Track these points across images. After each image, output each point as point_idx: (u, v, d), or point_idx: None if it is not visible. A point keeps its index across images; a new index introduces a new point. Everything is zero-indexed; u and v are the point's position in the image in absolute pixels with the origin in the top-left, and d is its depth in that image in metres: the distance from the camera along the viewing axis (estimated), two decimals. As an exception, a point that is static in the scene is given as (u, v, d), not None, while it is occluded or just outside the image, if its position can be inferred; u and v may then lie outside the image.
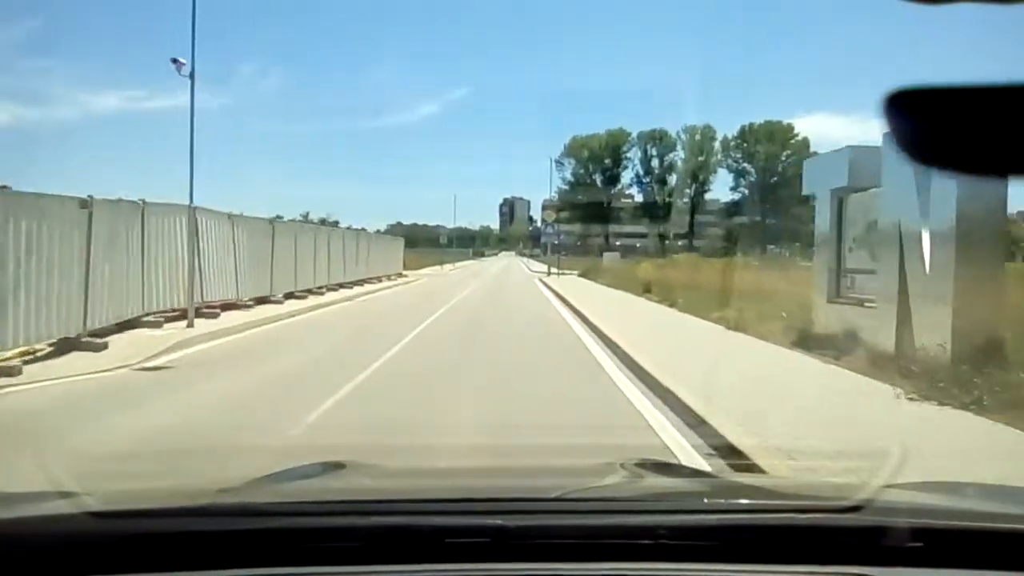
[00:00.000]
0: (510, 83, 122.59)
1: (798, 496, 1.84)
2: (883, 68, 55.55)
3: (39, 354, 9.93)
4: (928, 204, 8.23)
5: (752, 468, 4.79)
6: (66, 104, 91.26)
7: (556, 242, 48.29)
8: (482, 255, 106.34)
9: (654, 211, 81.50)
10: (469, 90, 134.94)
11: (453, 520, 1.39)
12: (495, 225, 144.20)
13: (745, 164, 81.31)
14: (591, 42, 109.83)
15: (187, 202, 13.66)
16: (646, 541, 1.32)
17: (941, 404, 6.57)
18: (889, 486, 1.72)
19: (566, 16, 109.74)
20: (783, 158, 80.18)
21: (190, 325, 13.04)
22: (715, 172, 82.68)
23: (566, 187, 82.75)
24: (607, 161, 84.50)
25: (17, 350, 9.45)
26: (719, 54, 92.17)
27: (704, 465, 4.90)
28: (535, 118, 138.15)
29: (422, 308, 18.47)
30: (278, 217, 26.34)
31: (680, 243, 77.23)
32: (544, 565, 1.28)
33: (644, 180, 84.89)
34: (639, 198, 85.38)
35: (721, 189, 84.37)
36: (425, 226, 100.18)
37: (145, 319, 12.93)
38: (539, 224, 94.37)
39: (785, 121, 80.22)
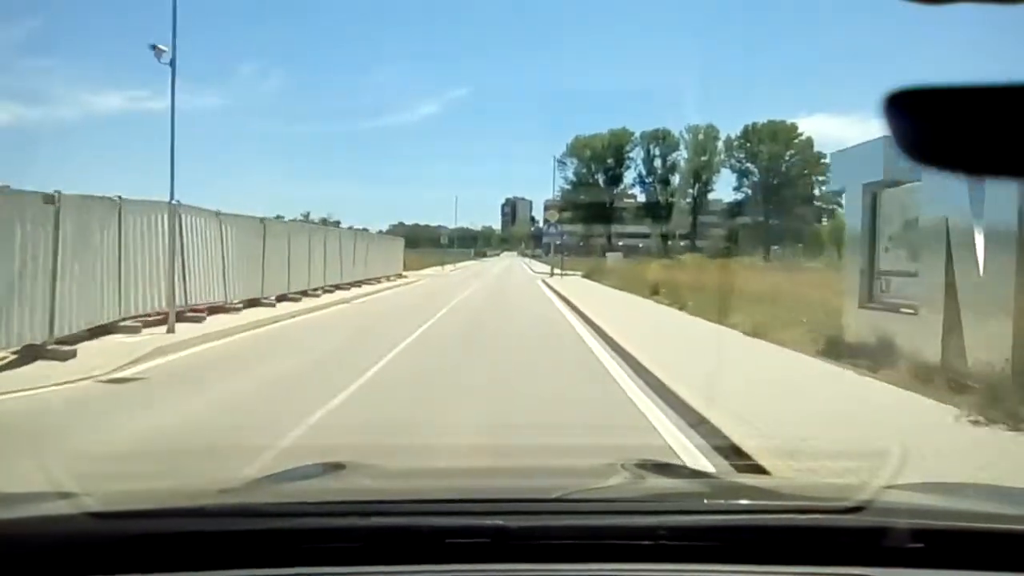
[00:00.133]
0: (511, 83, 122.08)
1: (798, 497, 1.83)
2: (884, 68, 54.90)
3: (1, 363, 9.09)
4: (982, 199, 7.35)
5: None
6: (67, 104, 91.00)
7: (559, 242, 47.40)
8: (484, 255, 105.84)
9: (657, 211, 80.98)
10: (470, 90, 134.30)
11: (453, 520, 1.39)
12: (497, 225, 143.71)
13: (748, 164, 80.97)
14: (592, 42, 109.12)
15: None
16: (646, 542, 1.32)
17: (1015, 429, 5.68)
18: (889, 487, 1.72)
19: (567, 16, 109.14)
20: (787, 158, 79.81)
21: (170, 330, 12.16)
22: (718, 172, 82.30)
23: (568, 187, 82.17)
24: (610, 161, 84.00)
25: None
26: (720, 54, 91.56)
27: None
28: (536, 118, 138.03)
29: (420, 310, 17.62)
30: (278, 217, 25.63)
31: (683, 243, 76.69)
32: (544, 566, 1.28)
33: (647, 180, 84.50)
34: (642, 198, 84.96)
35: (724, 189, 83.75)
36: (427, 226, 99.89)
37: (122, 324, 12.07)
38: (541, 224, 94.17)
39: (788, 121, 79.61)
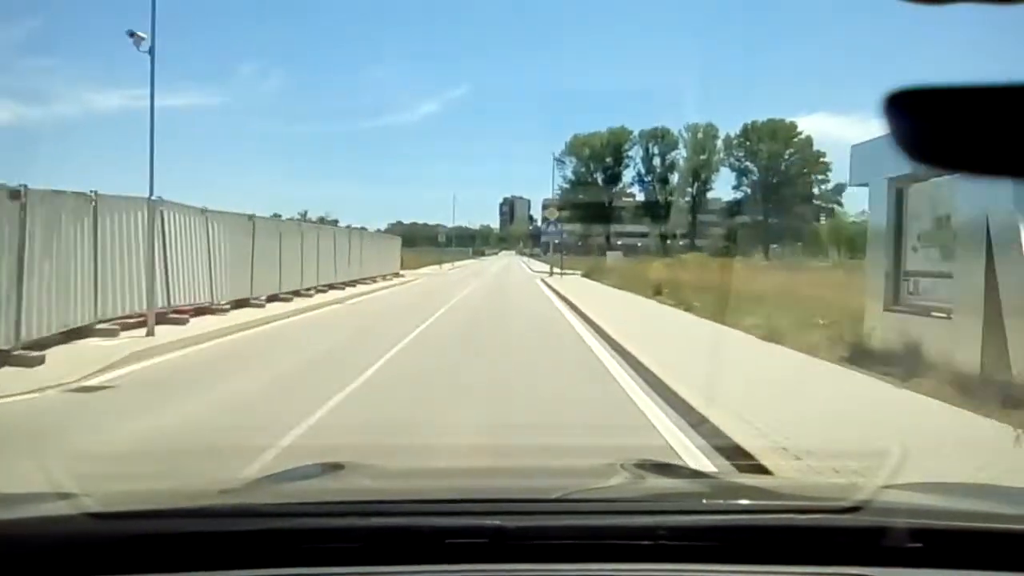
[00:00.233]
0: (510, 82, 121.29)
1: (797, 497, 1.83)
2: (884, 67, 54.44)
3: (-38, 371, 8.43)
4: (1031, 193, 6.69)
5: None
6: (67, 102, 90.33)
7: (558, 241, 46.68)
8: (482, 254, 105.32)
9: (655, 210, 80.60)
10: (469, 89, 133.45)
11: (452, 521, 1.39)
12: (495, 224, 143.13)
13: (748, 163, 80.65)
14: (591, 41, 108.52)
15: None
16: (646, 542, 1.31)
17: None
18: (888, 486, 1.72)
19: (566, 15, 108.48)
20: (786, 156, 79.53)
21: (150, 333, 11.48)
22: (717, 171, 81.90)
23: (567, 186, 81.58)
24: (608, 159, 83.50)
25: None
26: (720, 53, 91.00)
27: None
28: (535, 118, 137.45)
29: (415, 311, 16.94)
30: (275, 215, 24.90)
31: (681, 243, 76.24)
32: (543, 566, 1.28)
33: (646, 179, 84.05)
34: (640, 197, 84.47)
35: (723, 188, 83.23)
36: (425, 225, 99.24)
37: (99, 327, 11.39)
38: (539, 223, 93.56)
39: (788, 119, 79.12)
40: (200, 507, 1.52)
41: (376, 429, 6.05)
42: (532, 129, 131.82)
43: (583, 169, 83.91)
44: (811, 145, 79.01)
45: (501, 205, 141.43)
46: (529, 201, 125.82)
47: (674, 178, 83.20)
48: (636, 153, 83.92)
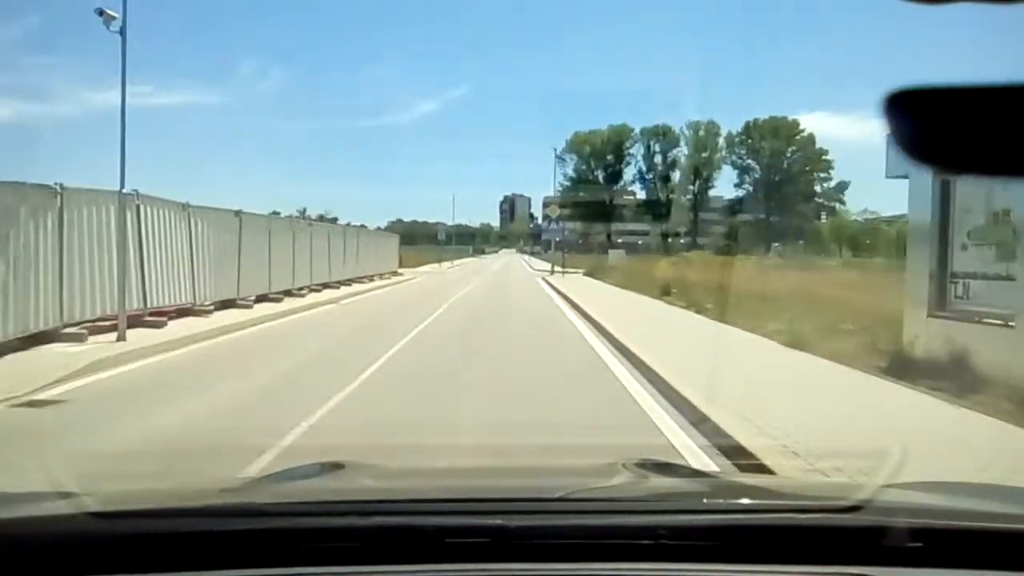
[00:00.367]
0: (510, 81, 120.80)
1: (798, 496, 1.81)
2: (885, 66, 53.99)
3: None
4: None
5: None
6: (67, 100, 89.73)
7: (559, 239, 45.75)
8: (482, 252, 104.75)
9: (656, 208, 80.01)
10: (469, 88, 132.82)
11: (453, 520, 1.38)
12: (495, 223, 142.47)
13: (749, 160, 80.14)
14: (592, 40, 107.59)
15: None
16: (646, 541, 1.31)
17: None
18: (889, 486, 1.71)
19: (567, 14, 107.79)
20: (788, 154, 79.00)
21: (120, 338, 10.56)
22: (719, 168, 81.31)
23: (567, 183, 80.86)
24: (609, 157, 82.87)
25: None
26: (722, 52, 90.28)
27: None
28: (536, 116, 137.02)
29: (409, 313, 16.02)
30: (274, 213, 24.01)
31: (682, 241, 75.59)
32: (544, 565, 1.28)
33: (647, 176, 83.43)
34: (641, 195, 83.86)
35: (725, 186, 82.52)
36: (425, 223, 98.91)
37: (65, 331, 10.48)
38: (540, 221, 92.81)
39: (790, 117, 78.28)
40: (200, 506, 1.53)
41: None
42: (532, 128, 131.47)
43: (584, 167, 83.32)
44: (813, 143, 78.55)
45: (501, 203, 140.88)
46: (529, 199, 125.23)
47: (675, 176, 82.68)
48: (637, 151, 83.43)
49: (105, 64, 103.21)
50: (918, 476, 2.10)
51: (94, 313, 11.21)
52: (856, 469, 3.84)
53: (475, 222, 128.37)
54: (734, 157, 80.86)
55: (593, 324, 13.94)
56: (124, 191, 11.91)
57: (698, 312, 15.89)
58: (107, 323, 11.21)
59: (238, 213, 16.66)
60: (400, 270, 39.09)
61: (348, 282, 26.63)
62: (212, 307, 15.16)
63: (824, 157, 78.52)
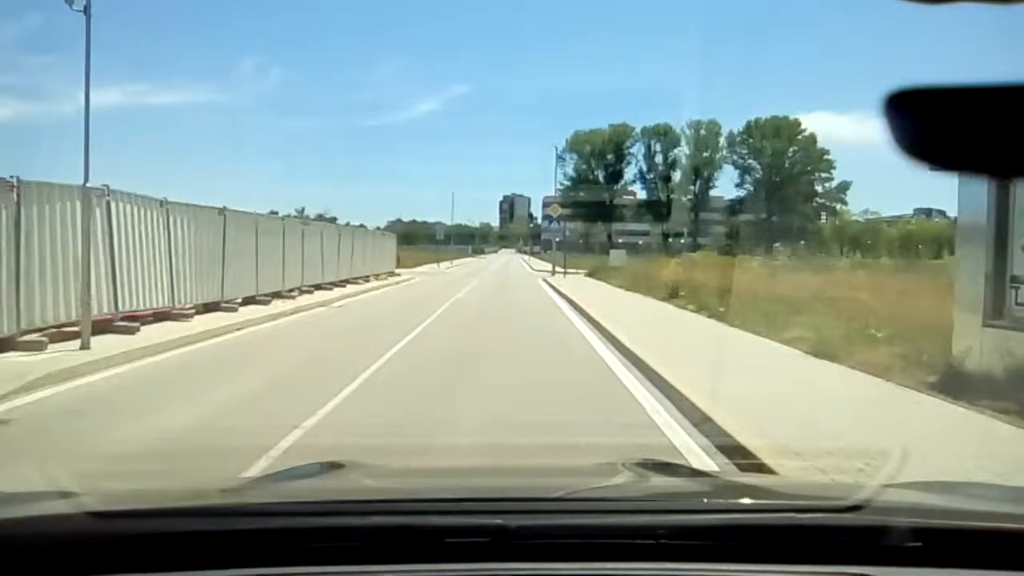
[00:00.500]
0: (510, 80, 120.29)
1: (798, 496, 1.81)
2: (887, 66, 53.67)
3: None
4: None
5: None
6: (66, 99, 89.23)
7: (560, 239, 44.80)
8: (482, 252, 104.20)
9: (657, 208, 79.52)
10: (469, 87, 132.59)
11: (453, 520, 1.37)
12: (495, 222, 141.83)
13: (751, 160, 79.61)
14: (592, 39, 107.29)
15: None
16: (646, 541, 1.31)
17: None
18: (889, 486, 1.72)
19: (567, 12, 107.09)
20: (790, 154, 78.33)
21: (84, 346, 9.63)
22: (720, 168, 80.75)
23: (568, 183, 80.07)
24: (610, 156, 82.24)
25: None
26: (723, 51, 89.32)
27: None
28: (536, 116, 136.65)
29: (404, 315, 15.13)
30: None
31: (683, 241, 74.98)
32: (544, 565, 1.27)
33: (647, 176, 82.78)
34: (642, 195, 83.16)
35: (726, 186, 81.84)
36: (424, 223, 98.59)
37: (24, 339, 9.56)
38: (539, 221, 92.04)
39: (791, 117, 77.53)
40: (200, 506, 1.52)
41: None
42: (532, 127, 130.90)
43: (584, 166, 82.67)
44: (815, 143, 77.93)
45: (501, 203, 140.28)
46: (529, 199, 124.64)
47: (676, 176, 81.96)
48: (638, 150, 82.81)
49: (105, 63, 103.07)
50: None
51: (57, 318, 10.28)
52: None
53: (475, 222, 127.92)
54: (735, 157, 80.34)
55: (602, 331, 12.95)
56: (91, 185, 10.99)
57: (710, 316, 14.95)
58: (73, 329, 10.28)
59: (222, 210, 15.71)
60: (397, 270, 38.18)
61: (343, 283, 25.71)
62: (193, 311, 14.25)
63: (826, 157, 77.96)
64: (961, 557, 1.28)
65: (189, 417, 6.45)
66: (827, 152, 77.38)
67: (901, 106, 0.72)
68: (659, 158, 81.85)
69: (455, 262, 60.17)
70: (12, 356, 9.04)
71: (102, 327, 11.10)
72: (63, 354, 9.21)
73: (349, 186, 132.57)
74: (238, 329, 13.28)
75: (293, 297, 19.50)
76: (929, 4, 0.68)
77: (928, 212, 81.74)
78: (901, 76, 0.72)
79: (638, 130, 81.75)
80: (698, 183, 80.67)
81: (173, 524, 1.36)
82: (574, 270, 38.75)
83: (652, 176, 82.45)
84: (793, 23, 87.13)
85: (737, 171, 79.94)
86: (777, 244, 71.61)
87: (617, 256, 42.98)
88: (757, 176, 79.29)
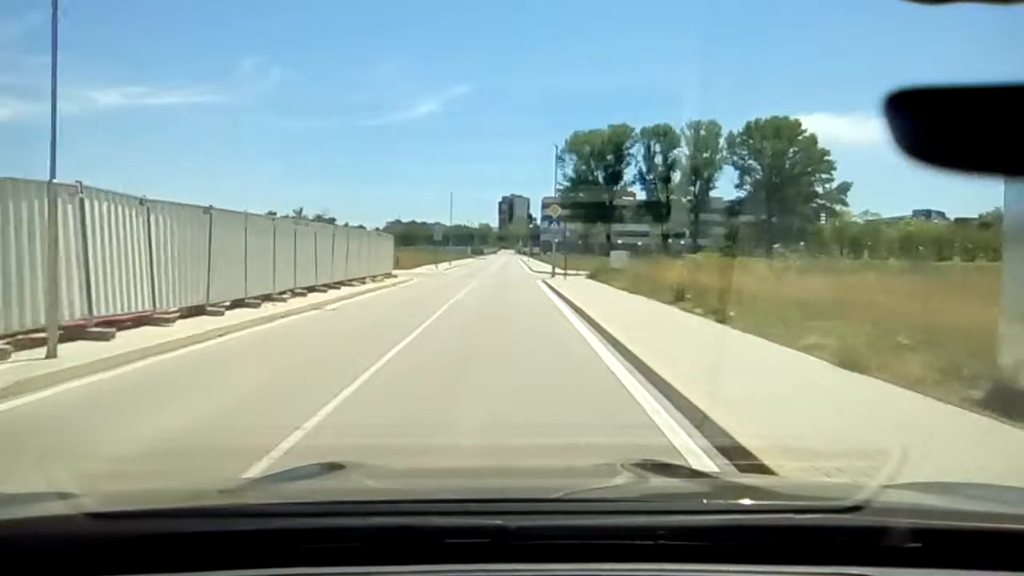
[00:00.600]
0: (510, 81, 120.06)
1: (797, 496, 1.81)
2: (888, 67, 53.48)
3: None
4: None
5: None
6: (66, 99, 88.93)
7: (560, 240, 44.07)
8: (481, 253, 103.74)
9: (657, 209, 79.19)
10: (469, 88, 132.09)
11: (453, 520, 1.37)
12: (494, 223, 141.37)
13: (751, 161, 79.33)
14: (592, 40, 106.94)
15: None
16: (646, 542, 1.31)
17: None
18: (888, 486, 1.71)
19: (568, 13, 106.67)
20: (790, 155, 77.97)
21: (51, 354, 8.91)
22: (720, 169, 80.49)
23: (567, 184, 79.58)
24: (609, 157, 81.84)
25: None
26: (722, 52, 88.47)
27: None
28: (535, 116, 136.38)
29: (398, 319, 14.41)
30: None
31: (682, 242, 74.53)
32: (544, 566, 1.27)
33: (647, 177, 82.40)
34: (641, 196, 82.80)
35: (726, 187, 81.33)
36: (423, 224, 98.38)
37: (-15, 347, 8.83)
38: (539, 222, 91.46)
39: (792, 117, 77.01)
40: (199, 507, 1.52)
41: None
42: (532, 128, 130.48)
43: (584, 167, 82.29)
44: (815, 143, 77.67)
45: (500, 204, 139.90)
46: (528, 200, 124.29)
47: (676, 176, 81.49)
48: (637, 151, 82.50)
49: (105, 65, 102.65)
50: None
51: (24, 324, 9.55)
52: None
53: (474, 223, 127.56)
54: (735, 157, 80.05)
55: (609, 339, 12.22)
56: (63, 181, 10.26)
57: (720, 320, 14.21)
58: (44, 335, 9.54)
59: (208, 209, 14.96)
60: (395, 272, 37.47)
61: (337, 285, 25.00)
62: (176, 315, 13.50)
63: (826, 158, 77.53)
64: (961, 558, 1.27)
65: (137, 444, 5.62)
66: (827, 153, 77.07)
67: (901, 106, 0.72)
68: (659, 159, 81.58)
69: (453, 263, 59.46)
70: (-30, 366, 8.33)
71: (74, 333, 10.40)
72: (24, 364, 8.48)
73: (349, 187, 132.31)
74: (222, 335, 12.54)
75: (284, 300, 18.77)
76: (929, 4, 0.68)
77: (927, 213, 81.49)
78: (901, 76, 0.73)
79: (638, 131, 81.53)
80: (698, 184, 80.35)
81: (173, 525, 1.36)
82: (574, 271, 38.01)
83: (652, 177, 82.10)
84: (793, 23, 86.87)
85: (737, 172, 79.73)
86: (777, 245, 71.25)
87: (618, 257, 42.24)
88: (757, 177, 78.94)
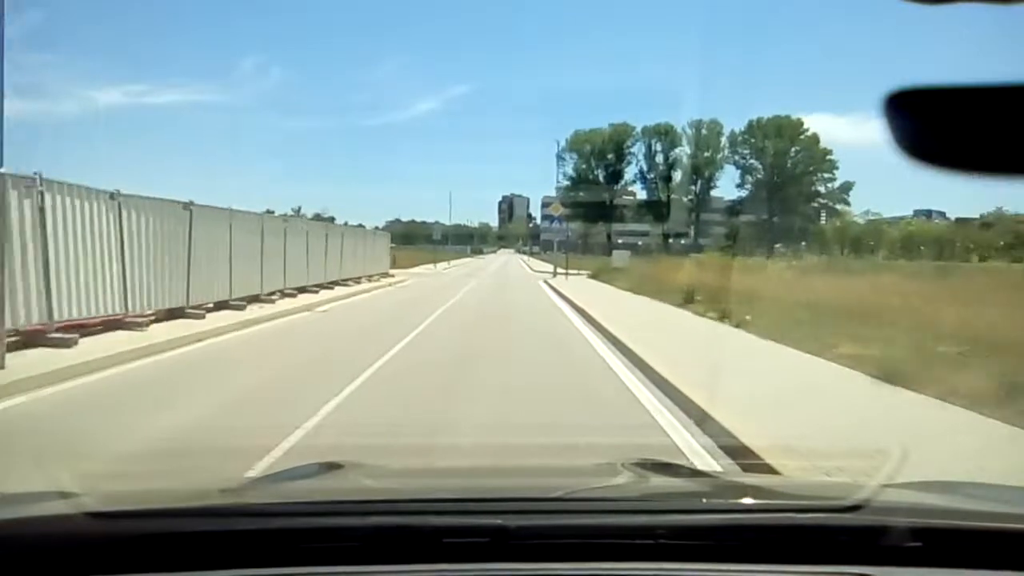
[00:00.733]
0: (511, 80, 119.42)
1: (797, 496, 1.80)
2: (890, 66, 53.16)
3: None
4: None
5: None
6: (66, 97, 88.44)
7: (562, 239, 43.12)
8: (480, 252, 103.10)
9: (657, 209, 78.70)
10: (469, 87, 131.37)
11: (452, 520, 1.36)
12: (494, 223, 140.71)
13: (753, 160, 78.71)
14: (593, 38, 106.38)
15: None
16: (646, 541, 1.30)
17: None
18: (888, 486, 1.70)
19: (568, 13, 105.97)
20: (792, 154, 77.40)
21: (-2, 366, 7.93)
22: (721, 168, 79.86)
23: (567, 183, 78.86)
24: (610, 156, 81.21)
25: None
26: (724, 51, 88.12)
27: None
28: (535, 116, 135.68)
29: (393, 322, 13.46)
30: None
31: (683, 242, 73.94)
32: (543, 565, 1.27)
33: (648, 176, 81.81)
34: (642, 195, 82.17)
35: (727, 186, 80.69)
36: (423, 223, 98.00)
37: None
38: (538, 221, 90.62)
39: (794, 116, 76.33)
40: (199, 506, 1.51)
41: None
42: (532, 127, 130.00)
43: (584, 166, 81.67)
44: (817, 142, 77.18)
45: (500, 203, 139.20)
46: (528, 199, 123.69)
47: (677, 176, 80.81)
48: (638, 150, 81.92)
49: (105, 63, 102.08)
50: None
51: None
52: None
53: (473, 222, 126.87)
54: (737, 157, 79.61)
55: (619, 346, 11.23)
56: (19, 174, 9.29)
57: (736, 325, 13.22)
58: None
59: (187, 205, 13.96)
60: (392, 271, 36.52)
61: (331, 285, 24.03)
62: (152, 318, 12.52)
63: (828, 157, 76.92)
64: (960, 557, 1.27)
65: (117, 457, 4.76)
66: (830, 152, 76.59)
67: (901, 106, 0.72)
68: (660, 158, 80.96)
69: (452, 262, 58.61)
70: (-98, 379, 7.35)
71: (34, 339, 9.47)
72: (-35, 376, 7.51)
73: (348, 186, 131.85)
74: (199, 340, 11.56)
75: (272, 301, 17.78)
76: (929, 4, 0.68)
77: (928, 213, 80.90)
78: (901, 76, 0.73)
79: (639, 129, 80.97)
80: (699, 183, 79.84)
81: (173, 524, 1.36)
82: (575, 271, 37.05)
83: (653, 176, 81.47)
84: (793, 23, 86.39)
85: (738, 171, 79.22)
86: (778, 245, 70.60)
87: (620, 257, 41.29)
88: (759, 176, 78.39)
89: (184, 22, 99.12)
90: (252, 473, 4.40)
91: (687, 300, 17.68)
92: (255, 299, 17.01)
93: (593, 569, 1.26)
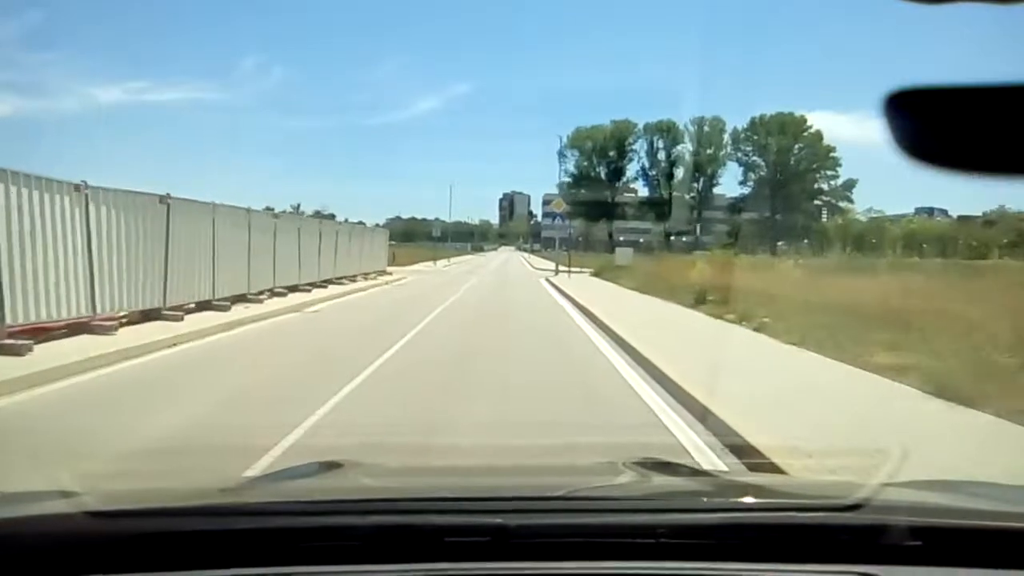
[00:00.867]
0: (512, 78, 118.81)
1: (798, 495, 1.79)
2: (892, 65, 52.95)
3: None
4: None
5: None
6: (66, 96, 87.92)
7: (564, 236, 42.17)
8: (481, 250, 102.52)
9: (659, 206, 78.22)
10: (470, 85, 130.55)
11: (453, 519, 1.35)
12: (495, 220, 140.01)
13: (755, 157, 78.23)
14: (595, 35, 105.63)
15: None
16: (647, 540, 1.29)
17: None
18: (889, 484, 1.69)
19: (568, 13, 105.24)
20: (795, 151, 76.80)
21: (-70, 378, 6.97)
22: (724, 165, 79.47)
23: (569, 180, 78.12)
24: (612, 153, 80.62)
25: None
26: (727, 48, 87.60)
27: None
28: (536, 113, 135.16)
29: (387, 324, 12.53)
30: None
31: (685, 239, 73.31)
32: (544, 564, 1.26)
33: (650, 173, 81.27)
34: (644, 192, 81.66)
35: (729, 183, 79.87)
36: (423, 220, 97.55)
37: None
38: (539, 219, 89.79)
39: (797, 113, 75.61)
40: (199, 505, 1.50)
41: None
42: (533, 125, 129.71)
43: (586, 163, 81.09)
44: (821, 140, 76.70)
45: (501, 201, 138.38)
46: (529, 197, 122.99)
47: (679, 173, 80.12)
48: (640, 147, 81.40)
49: (106, 61, 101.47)
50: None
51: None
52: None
53: (474, 219, 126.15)
54: (739, 154, 79.18)
55: (634, 355, 10.22)
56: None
57: (757, 330, 12.23)
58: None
59: (165, 198, 12.97)
60: (390, 269, 35.55)
61: (324, 283, 23.09)
62: (123, 320, 11.57)
63: (832, 154, 76.24)
64: (961, 556, 1.26)
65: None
66: (833, 149, 76.01)
67: (901, 106, 0.71)
68: (662, 155, 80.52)
69: (452, 260, 57.73)
70: None
71: (-15, 345, 8.50)
72: None
73: (349, 184, 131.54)
74: (172, 345, 10.59)
75: (261, 301, 16.81)
76: (929, 4, 0.68)
77: (930, 211, 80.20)
78: (901, 76, 0.73)
79: (640, 126, 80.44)
80: (701, 180, 79.41)
81: (172, 524, 1.34)
82: (578, 269, 36.08)
83: (655, 173, 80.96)
84: (793, 23, 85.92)
85: (741, 168, 78.81)
86: (780, 243, 69.86)
87: (623, 254, 40.33)
88: (761, 173, 77.87)
89: (185, 21, 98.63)
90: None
91: (699, 300, 16.70)
92: (241, 299, 16.06)
93: (594, 568, 1.26)
